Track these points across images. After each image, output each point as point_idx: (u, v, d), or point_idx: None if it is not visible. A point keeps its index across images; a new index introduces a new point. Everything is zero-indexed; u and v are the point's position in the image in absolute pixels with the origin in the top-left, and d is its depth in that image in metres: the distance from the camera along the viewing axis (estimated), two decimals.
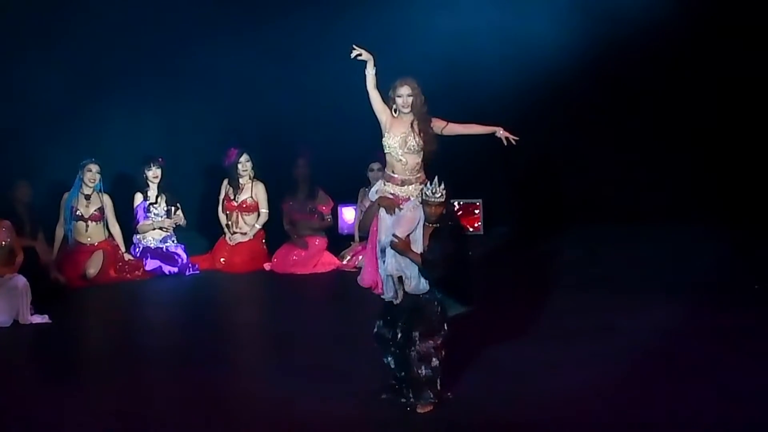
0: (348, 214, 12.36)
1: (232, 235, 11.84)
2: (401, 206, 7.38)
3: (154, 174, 11.62)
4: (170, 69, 12.53)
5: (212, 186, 12.23)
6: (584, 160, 13.28)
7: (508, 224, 13.21)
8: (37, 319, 9.38)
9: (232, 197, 11.85)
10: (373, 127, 12.50)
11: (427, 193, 7.05)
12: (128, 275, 11.26)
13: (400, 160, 7.57)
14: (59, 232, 11.22)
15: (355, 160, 11.81)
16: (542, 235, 12.83)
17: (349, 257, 11.53)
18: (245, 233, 11.82)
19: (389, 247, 7.04)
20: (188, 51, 12.58)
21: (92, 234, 11.27)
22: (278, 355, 8.45)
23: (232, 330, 9.51)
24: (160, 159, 11.67)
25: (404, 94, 7.60)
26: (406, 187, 7.59)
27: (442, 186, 7.06)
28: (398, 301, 7.12)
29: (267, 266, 11.64)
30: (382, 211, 7.65)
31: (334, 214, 12.14)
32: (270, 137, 12.68)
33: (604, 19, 12.61)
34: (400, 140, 7.56)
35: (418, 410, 6.98)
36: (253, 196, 11.84)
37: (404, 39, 12.69)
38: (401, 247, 7.03)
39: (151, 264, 11.45)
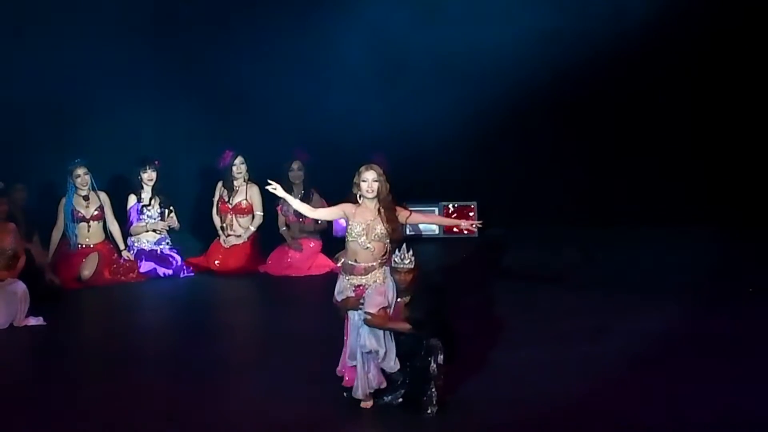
0: None
1: (226, 237, 11.84)
2: (363, 297, 7.12)
3: (148, 176, 11.61)
4: (166, 71, 12.52)
5: (207, 188, 12.22)
6: (580, 163, 13.29)
7: (503, 226, 13.21)
8: (32, 321, 9.39)
9: (226, 199, 11.84)
10: (368, 128, 12.66)
11: (396, 260, 7.05)
12: (123, 277, 11.25)
13: (368, 247, 7.14)
14: (55, 235, 11.22)
15: (350, 162, 11.78)
16: (537, 238, 12.83)
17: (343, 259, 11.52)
18: (239, 236, 11.81)
19: (366, 326, 6.97)
20: (185, 53, 12.59)
21: (92, 235, 11.28)
22: (273, 358, 8.43)
23: (227, 332, 9.51)
24: (156, 162, 11.65)
25: (369, 179, 7.23)
26: (370, 274, 7.16)
27: (411, 252, 7.06)
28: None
29: (261, 268, 11.65)
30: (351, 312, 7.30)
31: None
32: (265, 139, 12.66)
33: (599, 20, 12.64)
34: (366, 228, 7.16)
35: (423, 414, 6.98)
36: (248, 198, 11.83)
37: (402, 41, 12.74)
38: (378, 322, 6.97)
39: (145, 266, 11.44)
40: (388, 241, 7.15)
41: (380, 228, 7.14)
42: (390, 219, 7.17)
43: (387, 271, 7.13)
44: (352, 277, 7.18)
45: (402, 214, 7.28)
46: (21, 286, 9.42)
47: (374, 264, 7.14)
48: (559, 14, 12.87)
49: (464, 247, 12.56)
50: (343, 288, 7.21)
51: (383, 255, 7.17)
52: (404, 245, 7.12)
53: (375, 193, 7.21)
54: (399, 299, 7.15)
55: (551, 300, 9.91)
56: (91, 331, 9.78)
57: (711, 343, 8.45)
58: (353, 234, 7.17)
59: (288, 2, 12.82)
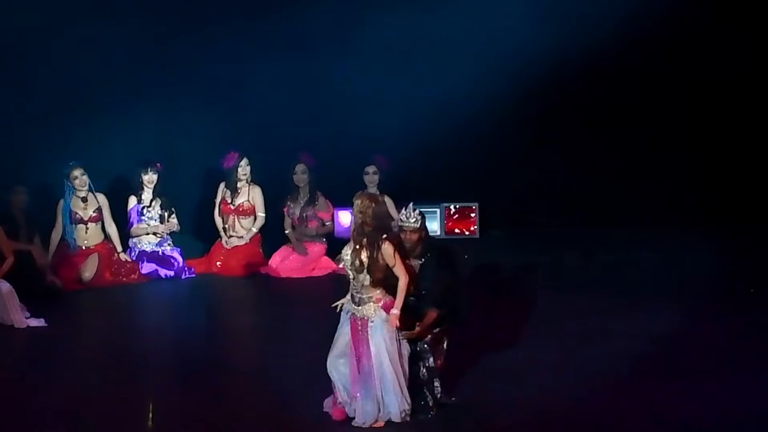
0: (344, 218, 12.35)
1: (228, 238, 11.84)
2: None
3: (149, 179, 11.60)
4: (168, 72, 12.52)
5: (209, 189, 12.21)
6: (581, 164, 13.29)
7: (504, 228, 13.22)
8: (34, 322, 9.40)
9: (229, 200, 11.84)
10: (368, 130, 12.66)
11: (402, 218, 6.94)
12: (124, 278, 11.24)
13: (349, 274, 6.94)
14: (54, 237, 11.20)
15: (352, 163, 11.83)
16: (538, 239, 12.83)
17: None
18: (241, 237, 11.81)
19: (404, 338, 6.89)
20: (186, 54, 12.58)
21: (91, 236, 11.27)
22: (275, 359, 8.44)
23: (229, 333, 9.53)
24: (158, 164, 11.64)
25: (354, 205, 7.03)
26: (362, 307, 6.93)
27: (417, 211, 6.96)
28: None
29: (263, 269, 11.65)
30: None
31: (331, 217, 12.13)
32: (268, 141, 12.66)
33: (602, 20, 12.64)
34: (351, 255, 6.91)
35: (420, 417, 6.98)
36: (250, 199, 11.83)
37: (403, 42, 12.73)
38: (415, 333, 6.90)
39: (147, 267, 11.43)
40: (367, 276, 6.81)
41: (359, 260, 6.82)
42: (370, 251, 6.79)
43: (379, 310, 6.86)
44: (349, 302, 7.01)
45: (388, 257, 6.81)
46: (4, 286, 9.36)
47: (364, 297, 6.89)
48: (562, 15, 12.87)
49: (465, 248, 12.55)
50: (344, 312, 7.08)
51: (368, 289, 6.86)
52: (410, 204, 7.04)
53: (355, 221, 6.94)
54: (409, 261, 6.97)
55: (552, 301, 9.92)
56: (92, 333, 9.78)
57: (712, 343, 8.47)
58: (343, 259, 7.04)
59: (289, 3, 12.82)
